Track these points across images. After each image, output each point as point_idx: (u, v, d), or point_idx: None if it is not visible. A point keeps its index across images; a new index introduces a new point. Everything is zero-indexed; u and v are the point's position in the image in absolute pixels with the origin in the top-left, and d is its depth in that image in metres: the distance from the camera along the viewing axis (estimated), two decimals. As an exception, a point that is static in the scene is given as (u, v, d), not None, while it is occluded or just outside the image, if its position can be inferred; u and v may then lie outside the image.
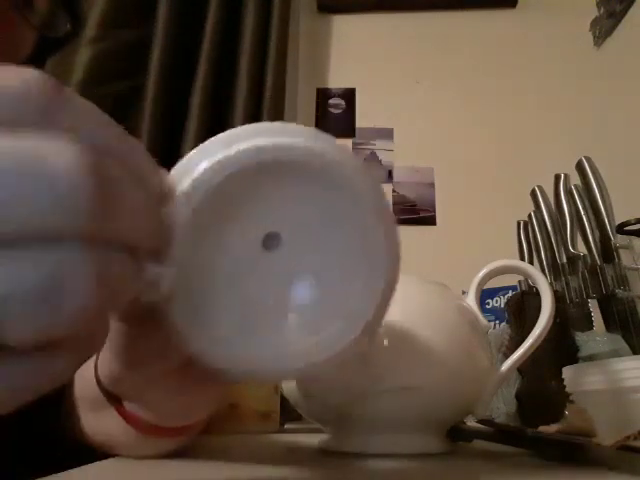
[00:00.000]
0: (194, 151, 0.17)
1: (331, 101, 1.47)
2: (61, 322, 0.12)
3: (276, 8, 1.29)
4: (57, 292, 0.12)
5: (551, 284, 0.71)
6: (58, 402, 0.34)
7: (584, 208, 0.69)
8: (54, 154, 0.12)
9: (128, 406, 0.28)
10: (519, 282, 0.79)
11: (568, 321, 0.62)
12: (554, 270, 0.73)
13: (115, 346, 0.22)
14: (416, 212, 1.40)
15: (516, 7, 1.55)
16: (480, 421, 0.43)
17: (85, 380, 0.29)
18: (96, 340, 0.15)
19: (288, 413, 0.59)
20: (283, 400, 0.55)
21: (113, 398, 0.28)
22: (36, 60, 0.32)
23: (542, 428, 0.40)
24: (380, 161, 1.44)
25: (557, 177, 0.75)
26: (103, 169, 0.12)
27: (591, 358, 0.54)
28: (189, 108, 1.10)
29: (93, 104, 0.14)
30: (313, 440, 0.39)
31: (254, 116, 1.16)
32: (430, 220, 1.38)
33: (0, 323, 0.11)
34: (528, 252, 0.81)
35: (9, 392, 0.13)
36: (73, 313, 0.12)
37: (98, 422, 0.31)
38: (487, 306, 0.89)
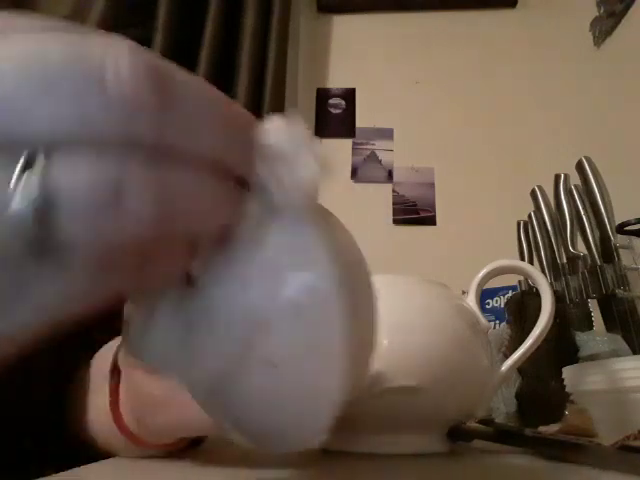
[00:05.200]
0: None
1: (331, 101, 1.47)
2: (119, 229, 0.11)
3: (276, 8, 1.29)
4: (114, 198, 0.11)
5: (551, 284, 0.71)
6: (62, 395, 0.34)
7: (584, 208, 0.69)
8: (109, 54, 0.11)
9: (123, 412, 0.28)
10: (519, 282, 0.79)
11: (568, 321, 0.62)
12: (554, 270, 0.73)
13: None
14: (416, 212, 1.39)
15: (516, 7, 1.55)
16: (480, 421, 0.43)
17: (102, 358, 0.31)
18: (157, 270, 0.13)
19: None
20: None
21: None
22: None
23: (542, 428, 0.40)
24: (380, 161, 1.44)
25: (557, 177, 0.75)
26: (163, 72, 0.12)
27: (591, 358, 0.54)
28: (189, 108, 1.10)
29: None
30: (313, 440, 0.39)
31: (254, 116, 1.16)
32: (430, 220, 1.38)
33: (63, 228, 0.11)
34: (528, 252, 0.81)
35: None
36: (132, 222, 0.11)
37: (91, 409, 0.32)
38: (487, 306, 0.89)
